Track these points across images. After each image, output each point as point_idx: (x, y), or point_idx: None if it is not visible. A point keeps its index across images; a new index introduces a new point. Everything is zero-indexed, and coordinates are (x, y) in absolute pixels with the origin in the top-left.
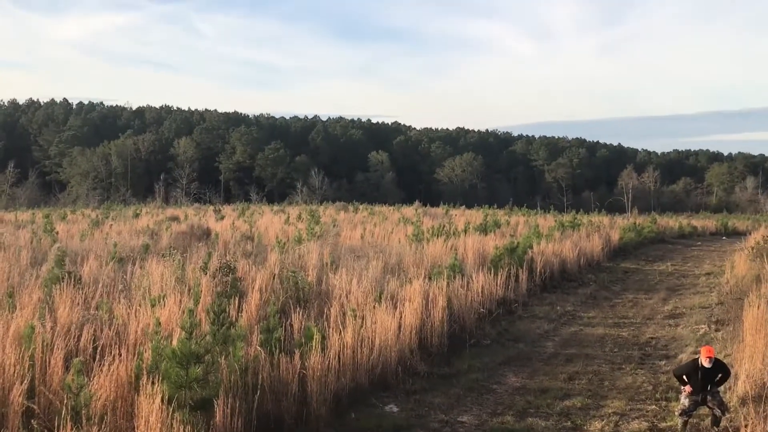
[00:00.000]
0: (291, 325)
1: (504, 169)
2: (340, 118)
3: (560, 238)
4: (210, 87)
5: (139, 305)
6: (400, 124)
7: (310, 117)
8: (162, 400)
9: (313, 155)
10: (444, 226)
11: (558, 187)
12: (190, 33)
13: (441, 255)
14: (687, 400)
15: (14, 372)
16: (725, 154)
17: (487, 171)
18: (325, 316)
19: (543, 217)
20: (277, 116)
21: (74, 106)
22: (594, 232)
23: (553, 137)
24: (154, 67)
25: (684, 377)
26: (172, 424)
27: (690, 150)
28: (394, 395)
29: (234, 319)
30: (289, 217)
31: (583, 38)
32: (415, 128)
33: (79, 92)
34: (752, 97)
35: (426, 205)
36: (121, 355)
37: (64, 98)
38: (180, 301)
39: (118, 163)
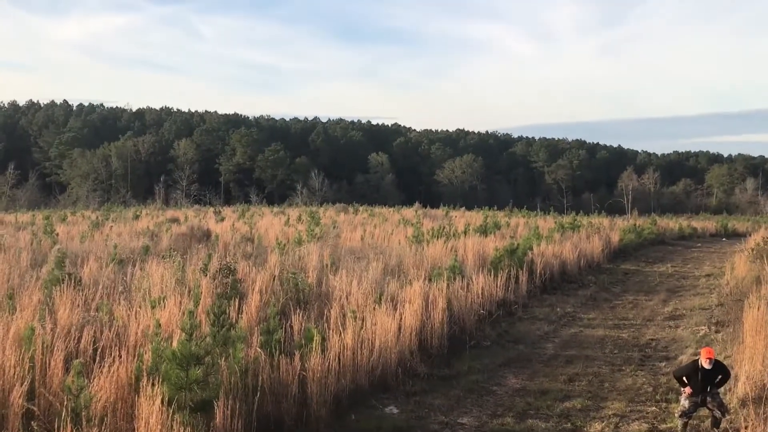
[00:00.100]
0: (291, 327)
1: (504, 170)
2: (340, 119)
3: (560, 239)
4: (210, 88)
5: (140, 307)
6: (400, 125)
7: (310, 118)
8: (162, 402)
9: (313, 157)
10: (444, 227)
11: (558, 189)
12: (191, 34)
13: (441, 256)
14: (687, 401)
15: (14, 373)
16: (725, 155)
17: (487, 172)
18: (325, 318)
19: (543, 218)
20: (277, 118)
21: (74, 108)
22: (594, 234)
23: (553, 139)
24: (154, 69)
25: (684, 379)
26: (172, 426)
27: (690, 151)
28: (394, 397)
29: (234, 320)
30: (289, 219)
31: (583, 39)
32: (415, 130)
33: (79, 94)
34: (752, 98)
35: (426, 207)
36: (121, 357)
37: (64, 100)
38: (180, 302)
39: (118, 165)
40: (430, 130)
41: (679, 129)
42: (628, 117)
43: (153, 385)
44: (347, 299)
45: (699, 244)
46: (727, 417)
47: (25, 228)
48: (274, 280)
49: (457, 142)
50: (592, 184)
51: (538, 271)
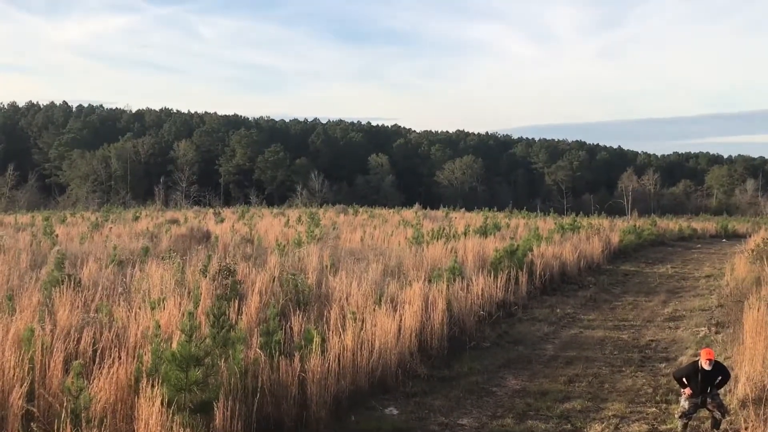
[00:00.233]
0: (291, 328)
1: (504, 171)
2: (340, 120)
3: (560, 240)
4: (210, 89)
5: (139, 308)
6: (400, 126)
7: (309, 120)
8: (162, 403)
9: (313, 158)
10: (444, 228)
11: (558, 190)
12: (190, 35)
13: (441, 258)
14: (687, 402)
15: (14, 375)
16: (725, 156)
17: (487, 174)
18: (325, 319)
19: (543, 219)
20: (276, 119)
21: (74, 109)
22: (594, 235)
23: (553, 140)
24: (154, 70)
25: (684, 380)
26: (171, 427)
27: (690, 152)
28: (394, 398)
29: (234, 321)
30: (288, 220)
31: (583, 40)
32: (415, 131)
33: (78, 95)
34: (752, 99)
35: (426, 208)
36: (120, 358)
37: (64, 101)
38: (180, 303)
39: (117, 166)
40: (430, 131)
41: (679, 130)
42: (628, 118)
43: (153, 386)
44: (347, 300)
45: (699, 245)
46: (727, 418)
47: (25, 229)
48: (273, 281)
49: (457, 143)
50: (592, 185)
51: (538, 272)
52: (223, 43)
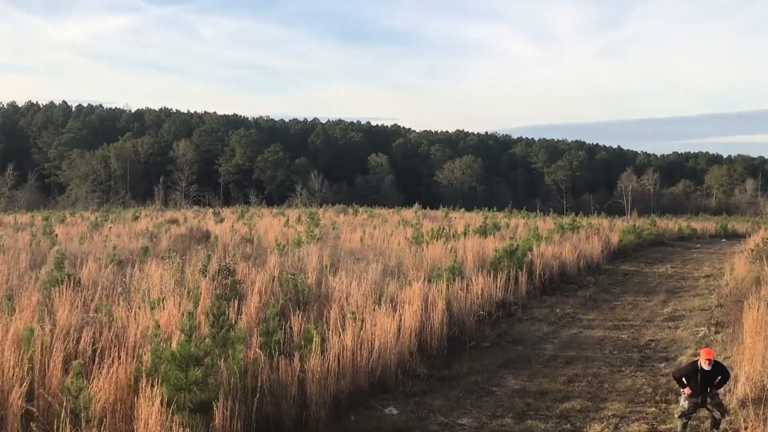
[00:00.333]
0: (290, 328)
1: (504, 171)
2: (340, 120)
3: (560, 240)
4: (209, 89)
5: (139, 308)
6: (399, 126)
7: (309, 119)
8: (161, 403)
9: (313, 158)
10: (443, 228)
11: (557, 190)
12: (190, 35)
13: (440, 257)
14: (686, 402)
15: (13, 374)
16: (725, 156)
17: (487, 173)
18: (324, 319)
19: (542, 219)
20: (276, 119)
21: (73, 109)
22: (593, 235)
23: (553, 140)
24: (154, 70)
25: (683, 379)
26: (171, 427)
27: (689, 152)
28: (394, 398)
29: (233, 321)
30: (288, 220)
31: (583, 40)
32: (414, 131)
33: (78, 95)
34: (752, 99)
35: (426, 208)
36: (120, 358)
37: (63, 101)
38: (179, 303)
39: (117, 166)
40: (430, 131)
41: (679, 130)
42: (628, 118)
43: (152, 386)
44: (347, 300)
45: (698, 245)
46: (727, 418)
47: (24, 229)
48: (273, 281)
49: (456, 143)
50: (592, 185)
51: (538, 272)
52: (222, 43)
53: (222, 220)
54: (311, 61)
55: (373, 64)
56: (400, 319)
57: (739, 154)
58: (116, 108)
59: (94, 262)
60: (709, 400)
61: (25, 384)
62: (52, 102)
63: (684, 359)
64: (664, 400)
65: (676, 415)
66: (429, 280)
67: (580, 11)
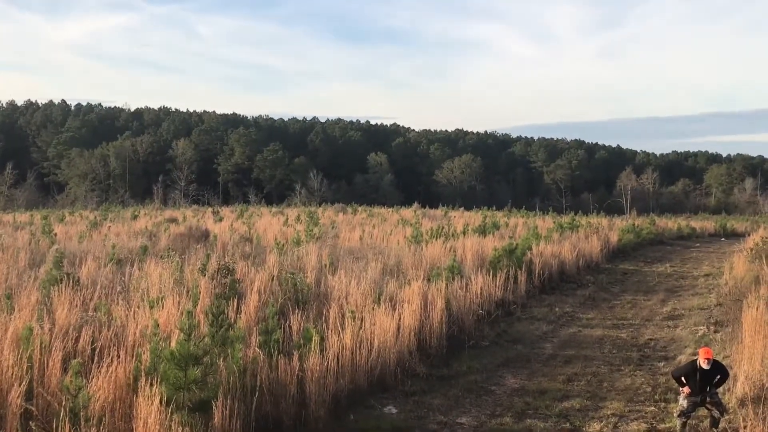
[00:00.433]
0: (290, 327)
1: (503, 170)
2: (339, 119)
3: (559, 239)
4: (208, 88)
5: (138, 307)
6: (398, 125)
7: (308, 118)
8: (160, 402)
9: (312, 157)
10: (443, 227)
11: (557, 189)
12: (189, 34)
13: (440, 256)
14: (685, 401)
15: (12, 373)
16: (724, 155)
17: (486, 173)
18: (324, 318)
19: (542, 218)
20: (275, 118)
21: (72, 108)
22: (593, 234)
23: (552, 139)
24: (153, 69)
25: (682, 379)
26: (170, 426)
27: (689, 151)
28: (393, 397)
29: (233, 320)
30: (287, 219)
31: (583, 39)
32: (414, 130)
33: (77, 94)
34: (751, 98)
35: (425, 207)
36: (119, 357)
37: (63, 99)
38: (178, 302)
39: (116, 165)
40: (429, 130)
41: (678, 129)
42: (627, 117)
43: (151, 385)
44: (346, 299)
45: (698, 244)
46: (726, 417)
47: (24, 228)
48: (272, 280)
49: (455, 142)
50: (591, 184)
51: (537, 271)
52: (221, 42)
53: (221, 219)
54: (310, 60)
55: (373, 63)
56: (400, 318)
57: (738, 153)
58: (115, 107)
59: (93, 261)
60: (708, 399)
61: (24, 383)
62: (51, 101)
63: (683, 358)
64: (663, 399)
65: (675, 414)
66: (428, 279)
67: (580, 11)
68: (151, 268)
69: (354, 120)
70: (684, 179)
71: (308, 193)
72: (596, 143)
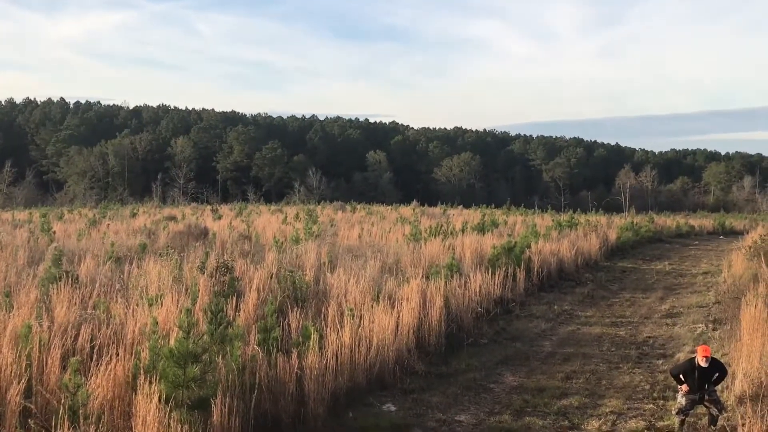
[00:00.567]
0: (288, 325)
1: (502, 168)
2: (338, 117)
3: (558, 237)
4: (207, 86)
5: (137, 305)
6: (397, 123)
7: (307, 116)
8: (159, 400)
9: (311, 155)
10: (442, 225)
11: (555, 187)
12: (188, 32)
13: (439, 254)
14: (684, 399)
15: (11, 371)
16: (723, 153)
17: (485, 171)
18: (322, 316)
19: (540, 216)
20: (274, 116)
21: (71, 106)
22: (591, 232)
23: (551, 137)
24: (152, 67)
25: (681, 376)
26: (169, 424)
27: (687, 149)
28: (392, 394)
29: (231, 318)
30: (286, 217)
31: (582, 38)
32: (412, 128)
33: (76, 91)
34: (750, 96)
35: (424, 205)
36: (118, 355)
37: (61, 97)
38: (177, 300)
39: (115, 163)
40: (428, 128)
41: (677, 127)
42: (626, 115)
43: (150, 382)
44: (345, 297)
45: (696, 242)
46: (724, 414)
47: (22, 226)
48: (271, 278)
49: (454, 140)
50: (590, 182)
51: (536, 269)
52: (220, 40)
53: (220, 217)
54: (310, 58)
55: (372, 61)
56: (398, 316)
57: (737, 151)
58: (114, 105)
59: (92, 258)
60: (706, 396)
61: (23, 381)
62: (50, 99)
63: (681, 356)
64: (661, 397)
65: (673, 412)
66: (427, 277)
67: (580, 9)
68: (150, 266)
69: (353, 118)
70: (683, 177)
71: (307, 191)
72: (595, 141)
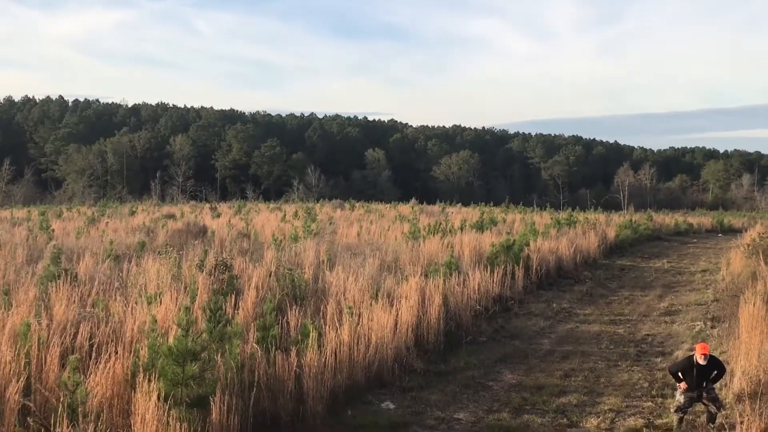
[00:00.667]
0: (287, 323)
1: (500, 166)
2: (337, 115)
3: (556, 235)
4: (206, 84)
5: (136, 303)
6: (396, 121)
7: (306, 115)
8: (158, 398)
9: (310, 153)
10: (440, 223)
11: (554, 185)
12: (187, 30)
13: (437, 252)
14: (682, 396)
15: (10, 369)
16: (721, 151)
17: (484, 169)
18: (321, 314)
19: (539, 214)
20: (273, 114)
21: (70, 104)
22: (590, 230)
23: (550, 135)
24: (150, 65)
25: (679, 374)
26: (168, 422)
27: (686, 147)
28: (391, 392)
29: (230, 316)
30: (285, 215)
31: (581, 36)
32: (411, 126)
33: (74, 89)
34: (749, 94)
35: (422, 203)
36: (117, 353)
37: (60, 95)
38: (176, 298)
39: (114, 161)
40: (427, 126)
41: (676, 125)
42: (625, 113)
43: (149, 380)
44: (344, 295)
45: (695, 240)
46: (723, 412)
47: (21, 224)
48: (270, 276)
49: (453, 138)
50: (589, 179)
51: (534, 267)
52: (219, 38)
53: (219, 215)
54: (309, 57)
55: (371, 59)
56: (397, 314)
57: (735, 149)
58: (113, 103)
59: (91, 257)
60: (705, 394)
61: (22, 379)
62: (48, 97)
63: (680, 354)
64: (660, 395)
65: (672, 410)
66: (426, 275)
67: (579, 7)
68: (148, 264)
69: (352, 116)
70: (681, 175)
71: (306, 189)
72: (594, 139)
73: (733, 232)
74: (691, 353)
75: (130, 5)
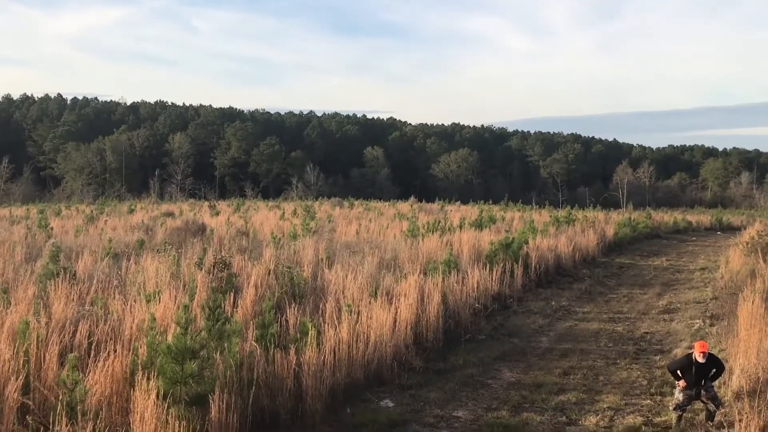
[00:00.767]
0: (286, 321)
1: (499, 164)
2: (336, 113)
3: (555, 233)
4: (205, 82)
5: (134, 301)
6: (395, 119)
7: (305, 112)
8: (157, 396)
9: (309, 151)
10: (439, 221)
11: (553, 183)
12: (185, 28)
13: (436, 250)
14: (681, 394)
15: (9, 368)
16: (720, 149)
17: (483, 167)
18: (320, 312)
19: (538, 212)
20: (272, 111)
21: (68, 102)
22: (589, 228)
23: (549, 133)
24: (149, 62)
25: (678, 372)
26: (167, 420)
27: (685, 145)
28: (390, 390)
29: (229, 314)
30: (284, 213)
31: (580, 33)
32: (410, 124)
33: (73, 87)
34: (748, 92)
35: (421, 201)
36: (116, 351)
37: (59, 93)
38: (175, 296)
39: (112, 159)
40: (426, 124)
41: (675, 122)
42: (624, 111)
43: (148, 379)
44: (343, 293)
45: (694, 238)
46: (722, 410)
47: (20, 222)
48: (269, 274)
49: (452, 136)
50: (588, 177)
51: (533, 265)
52: (218, 36)
53: (218, 213)
54: (307, 54)
55: (370, 56)
56: (396, 312)
57: (734, 147)
58: (111, 101)
59: (90, 255)
60: (703, 392)
61: (20, 377)
62: (47, 95)
63: (679, 352)
64: (659, 393)
65: (670, 408)
66: (425, 273)
67: (578, 4)
68: (147, 262)
69: (350, 114)
70: (680, 173)
71: (305, 187)
72: (593, 137)
73: (731, 230)
74: (690, 351)
75: (129, 3)
